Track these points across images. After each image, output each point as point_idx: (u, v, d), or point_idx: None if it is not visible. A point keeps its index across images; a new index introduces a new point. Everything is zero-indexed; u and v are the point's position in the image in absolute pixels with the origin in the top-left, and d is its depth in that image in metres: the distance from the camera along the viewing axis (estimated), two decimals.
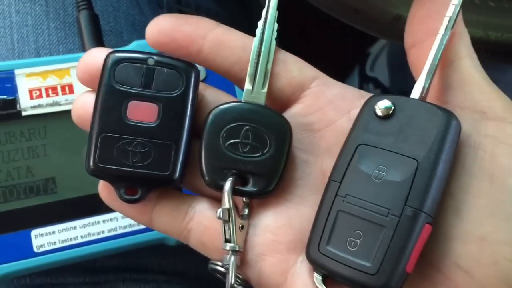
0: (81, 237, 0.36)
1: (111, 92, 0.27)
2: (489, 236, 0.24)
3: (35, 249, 0.36)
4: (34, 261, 0.35)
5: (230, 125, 0.27)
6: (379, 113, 0.26)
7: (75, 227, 0.36)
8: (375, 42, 0.72)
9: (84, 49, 0.40)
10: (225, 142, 0.27)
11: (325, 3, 0.35)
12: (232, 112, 0.28)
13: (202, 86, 0.29)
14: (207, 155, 0.27)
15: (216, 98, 0.29)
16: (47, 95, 0.37)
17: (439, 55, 0.26)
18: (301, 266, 0.27)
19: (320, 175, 0.28)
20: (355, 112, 0.28)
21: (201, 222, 0.28)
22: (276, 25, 0.29)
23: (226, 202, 0.27)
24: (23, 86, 0.36)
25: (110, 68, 0.27)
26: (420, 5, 0.27)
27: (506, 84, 0.50)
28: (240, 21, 0.57)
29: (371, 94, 0.28)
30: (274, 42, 0.28)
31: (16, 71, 0.36)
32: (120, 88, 0.27)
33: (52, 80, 0.37)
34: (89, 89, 0.28)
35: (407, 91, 0.27)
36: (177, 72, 0.27)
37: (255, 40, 0.28)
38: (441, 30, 0.26)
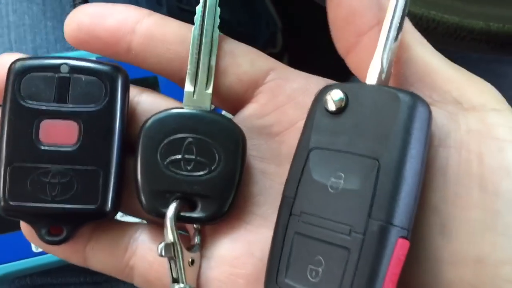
0: None
1: (17, 111, 0.22)
2: (487, 256, 0.20)
3: (34, 249, 0.35)
4: (34, 261, 0.35)
5: (169, 139, 0.23)
6: (330, 107, 0.21)
7: None
8: None
9: None
10: (164, 160, 0.23)
11: None
12: (170, 122, 0.23)
13: (135, 90, 0.25)
14: (144, 177, 0.23)
15: (153, 105, 0.24)
16: None
17: (397, 23, 0.21)
18: None
19: (282, 187, 0.23)
20: None
21: (145, 257, 0.24)
22: (218, 9, 0.24)
23: (169, 234, 0.22)
24: None
25: (15, 80, 0.22)
26: (335, 3, 0.23)
27: None
28: (243, 19, 0.56)
29: (337, 83, 0.23)
30: (217, 31, 0.24)
31: None
32: (29, 105, 0.22)
33: None
34: None
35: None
36: (98, 80, 0.23)
37: (194, 30, 0.23)
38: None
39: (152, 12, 0.24)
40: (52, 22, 0.42)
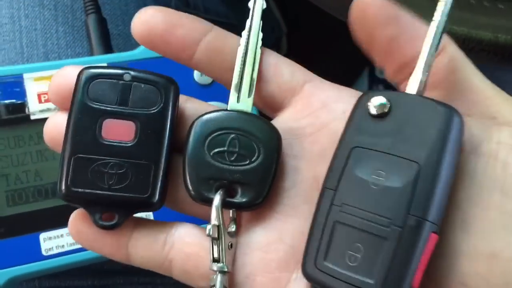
0: None
1: (84, 110, 0.25)
2: (500, 252, 0.22)
3: (43, 252, 0.35)
4: (43, 264, 0.35)
5: (215, 134, 0.26)
6: (373, 111, 0.24)
7: None
8: None
9: (92, 53, 0.40)
10: (210, 152, 0.26)
11: (329, 4, 0.35)
12: (216, 120, 0.26)
13: (182, 98, 0.27)
14: (191, 166, 0.26)
15: (197, 111, 0.27)
16: None
17: (436, 43, 0.24)
18: (296, 285, 0.25)
19: (313, 182, 0.26)
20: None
21: (182, 250, 0.26)
22: (260, 34, 0.28)
23: (215, 217, 0.25)
24: (32, 90, 0.36)
25: (84, 84, 0.25)
26: (393, 25, 0.24)
27: None
28: None
29: (379, 90, 0.27)
30: (259, 50, 0.27)
31: (25, 75, 0.36)
32: (94, 105, 0.25)
33: None
34: None
35: None
36: (155, 88, 0.26)
37: (239, 51, 0.27)
38: (436, 16, 0.24)
39: (214, 26, 0.27)
40: (64, 27, 0.42)
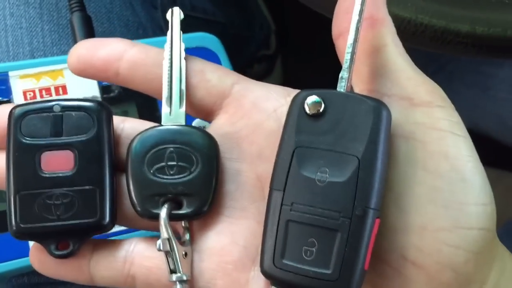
0: None
1: (20, 147, 0.26)
2: (429, 224, 0.24)
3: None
4: None
5: (153, 150, 0.27)
6: (309, 111, 0.25)
7: None
8: None
9: None
10: (150, 169, 0.27)
11: (318, 4, 0.35)
12: (152, 137, 0.27)
13: (118, 119, 0.29)
14: (135, 185, 0.27)
15: (135, 129, 0.28)
16: (41, 96, 0.37)
17: (356, 44, 0.25)
18: (255, 283, 0.26)
19: (256, 181, 0.28)
20: (281, 110, 0.28)
21: (143, 264, 0.27)
22: (183, 44, 0.29)
23: (164, 231, 0.26)
24: (18, 88, 0.37)
25: (15, 123, 0.26)
26: None
27: (502, 79, 0.50)
28: (237, 21, 0.57)
29: (296, 91, 0.27)
30: (184, 62, 0.28)
31: (10, 73, 0.37)
32: (30, 141, 0.26)
33: (45, 81, 0.38)
34: None
35: None
36: (86, 114, 0.27)
37: (165, 64, 0.28)
38: (354, 16, 0.25)
39: (135, 43, 0.29)
40: (49, 25, 0.42)
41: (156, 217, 0.26)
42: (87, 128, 0.27)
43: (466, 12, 0.35)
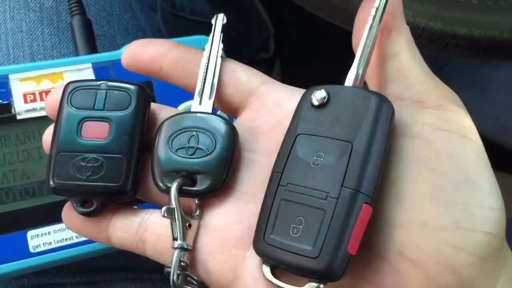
0: (76, 237, 0.37)
1: (68, 116, 0.29)
2: (430, 222, 0.24)
3: (31, 250, 0.36)
4: (31, 261, 0.36)
5: (178, 132, 0.29)
6: (315, 102, 0.27)
7: None
8: None
9: (77, 54, 0.41)
10: (173, 148, 0.29)
11: (310, 3, 0.35)
12: (179, 121, 0.30)
13: (157, 106, 0.32)
14: (157, 161, 0.29)
15: (168, 115, 0.30)
16: (41, 99, 0.38)
17: (370, 43, 0.27)
18: (250, 261, 0.27)
19: (268, 173, 0.28)
20: None
21: (154, 231, 0.29)
22: (221, 45, 0.32)
23: (172, 201, 0.28)
24: (18, 91, 0.37)
25: (67, 95, 0.30)
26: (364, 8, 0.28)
27: (500, 81, 0.50)
28: (236, 24, 0.57)
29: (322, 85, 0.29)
30: (219, 60, 0.31)
31: (11, 76, 0.37)
32: (75, 111, 0.29)
33: (46, 84, 0.38)
34: None
35: None
36: (127, 93, 0.30)
37: (203, 61, 0.31)
38: (369, 20, 0.27)
39: (179, 44, 0.32)
40: (49, 29, 0.43)
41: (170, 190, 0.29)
42: (126, 105, 0.30)
43: (463, 15, 0.36)
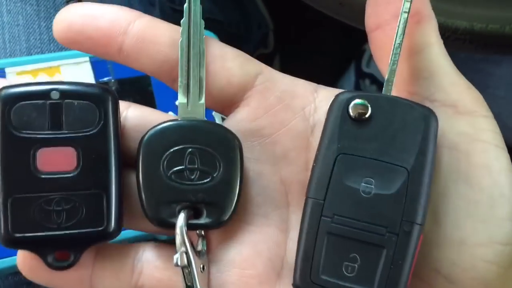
0: None
1: (11, 141, 0.22)
2: (467, 239, 0.23)
3: None
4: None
5: (171, 150, 0.23)
6: (353, 114, 0.23)
7: None
8: None
9: None
10: (167, 171, 0.23)
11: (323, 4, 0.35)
12: (170, 134, 0.23)
13: (123, 105, 0.25)
14: (148, 189, 0.23)
15: (142, 119, 0.25)
16: None
17: (401, 43, 0.24)
18: None
19: (279, 186, 0.25)
20: (309, 109, 0.25)
21: (153, 275, 0.24)
22: (203, 22, 0.24)
23: (181, 244, 0.23)
24: None
25: (3, 110, 0.22)
26: None
27: (500, 77, 0.50)
28: (235, 19, 0.57)
29: (323, 87, 0.26)
30: (203, 43, 0.24)
31: (7, 70, 0.36)
32: (22, 135, 0.22)
33: (43, 78, 0.37)
34: None
35: None
36: (90, 103, 0.23)
37: (180, 43, 0.24)
38: (403, 14, 0.24)
39: (143, 14, 0.24)
40: (46, 22, 0.42)
41: (170, 225, 0.23)
42: (91, 120, 0.23)
43: (464, 8, 0.35)
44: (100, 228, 0.23)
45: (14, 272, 0.38)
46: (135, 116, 0.25)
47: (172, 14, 0.49)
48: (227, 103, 0.25)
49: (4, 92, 0.22)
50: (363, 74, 0.74)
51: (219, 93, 0.25)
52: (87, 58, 0.38)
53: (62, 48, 0.42)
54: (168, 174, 0.23)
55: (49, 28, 0.42)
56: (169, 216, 0.23)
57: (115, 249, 0.25)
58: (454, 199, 0.24)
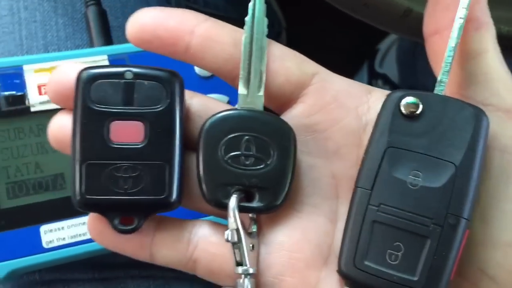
0: None
1: (89, 114, 0.25)
2: None
3: (44, 245, 0.35)
4: (44, 256, 0.35)
5: (229, 136, 0.25)
6: (404, 111, 0.25)
7: (84, 223, 0.36)
8: (384, 38, 0.71)
9: (92, 45, 0.40)
10: (225, 156, 0.25)
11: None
12: (229, 122, 0.25)
13: (188, 94, 0.27)
14: (207, 171, 0.25)
15: (204, 107, 0.27)
16: None
17: (455, 46, 0.25)
18: (326, 283, 0.25)
19: (330, 179, 0.26)
20: (362, 109, 0.26)
21: (207, 250, 0.26)
22: (266, 20, 0.26)
23: (233, 222, 0.25)
24: (32, 82, 0.36)
25: (84, 87, 0.25)
26: None
27: None
28: None
29: (377, 89, 0.27)
30: (265, 39, 0.26)
31: (25, 67, 0.36)
32: (99, 108, 0.25)
33: None
34: None
35: (417, 88, 0.26)
36: (159, 84, 0.25)
37: (244, 39, 0.26)
38: (458, 19, 0.25)
39: (208, 17, 0.26)
40: (63, 19, 0.42)
41: (224, 206, 0.25)
42: (159, 99, 0.25)
43: (490, 11, 0.35)
44: (161, 197, 0.25)
45: (30, 271, 0.38)
46: (199, 104, 0.27)
47: None
48: (285, 100, 0.27)
49: (85, 72, 0.25)
50: (376, 74, 0.73)
51: (278, 90, 0.26)
52: (105, 57, 0.37)
53: (79, 46, 0.41)
54: (225, 158, 0.25)
55: (66, 25, 0.41)
56: (224, 197, 0.25)
57: (175, 222, 0.27)
58: (504, 201, 0.24)
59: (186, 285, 0.41)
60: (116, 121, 0.25)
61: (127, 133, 0.25)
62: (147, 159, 0.25)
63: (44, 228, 0.35)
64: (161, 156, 0.25)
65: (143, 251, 0.26)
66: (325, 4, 0.37)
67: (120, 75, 0.25)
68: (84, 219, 0.36)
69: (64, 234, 0.36)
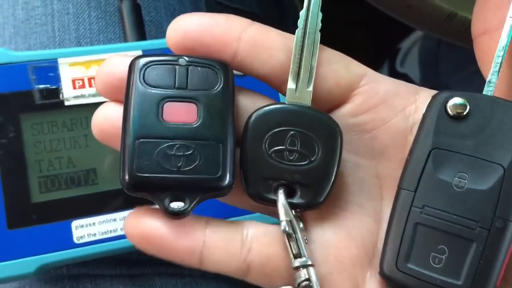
0: (121, 229, 0.36)
1: (143, 95, 0.25)
2: None
3: (75, 240, 0.35)
4: (74, 252, 0.35)
5: (274, 130, 0.25)
6: (451, 112, 0.25)
7: (115, 219, 0.36)
8: (405, 38, 0.71)
9: (125, 39, 0.39)
10: (268, 150, 0.25)
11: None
12: (275, 116, 0.26)
13: (235, 88, 0.27)
14: (250, 164, 0.25)
15: (251, 101, 0.27)
16: (90, 85, 0.36)
17: (506, 46, 0.25)
18: (370, 283, 0.26)
19: (375, 179, 0.27)
20: (410, 109, 0.27)
21: (262, 252, 0.25)
22: (320, 14, 0.26)
23: (284, 214, 0.25)
24: (66, 76, 0.36)
25: (139, 71, 0.25)
26: None
27: None
28: (271, 14, 0.56)
29: (425, 89, 0.27)
30: (318, 34, 0.26)
31: (60, 60, 0.36)
32: (153, 90, 0.25)
33: (95, 70, 0.37)
34: None
35: (439, 89, 0.27)
36: (212, 70, 0.26)
37: (297, 32, 0.26)
38: (508, 21, 0.24)
39: (252, 21, 0.26)
40: (96, 12, 0.41)
41: (267, 200, 0.25)
42: (212, 83, 0.25)
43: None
44: (216, 176, 0.25)
45: (58, 266, 0.37)
46: (245, 98, 0.27)
47: (217, 8, 0.48)
48: (335, 104, 0.27)
49: (141, 58, 0.26)
50: (396, 74, 0.73)
51: (327, 94, 0.27)
52: (139, 52, 0.37)
53: (111, 39, 0.41)
54: (269, 152, 0.25)
55: (99, 18, 0.41)
56: (266, 191, 0.25)
57: (224, 223, 0.26)
58: None
59: (212, 284, 0.41)
60: (170, 102, 0.25)
61: (181, 113, 0.25)
62: (200, 138, 0.25)
63: (75, 224, 0.36)
64: (215, 136, 0.25)
65: (193, 257, 0.25)
66: (344, 2, 0.37)
67: (174, 61, 0.26)
68: (116, 215, 0.36)
69: (95, 230, 0.36)
